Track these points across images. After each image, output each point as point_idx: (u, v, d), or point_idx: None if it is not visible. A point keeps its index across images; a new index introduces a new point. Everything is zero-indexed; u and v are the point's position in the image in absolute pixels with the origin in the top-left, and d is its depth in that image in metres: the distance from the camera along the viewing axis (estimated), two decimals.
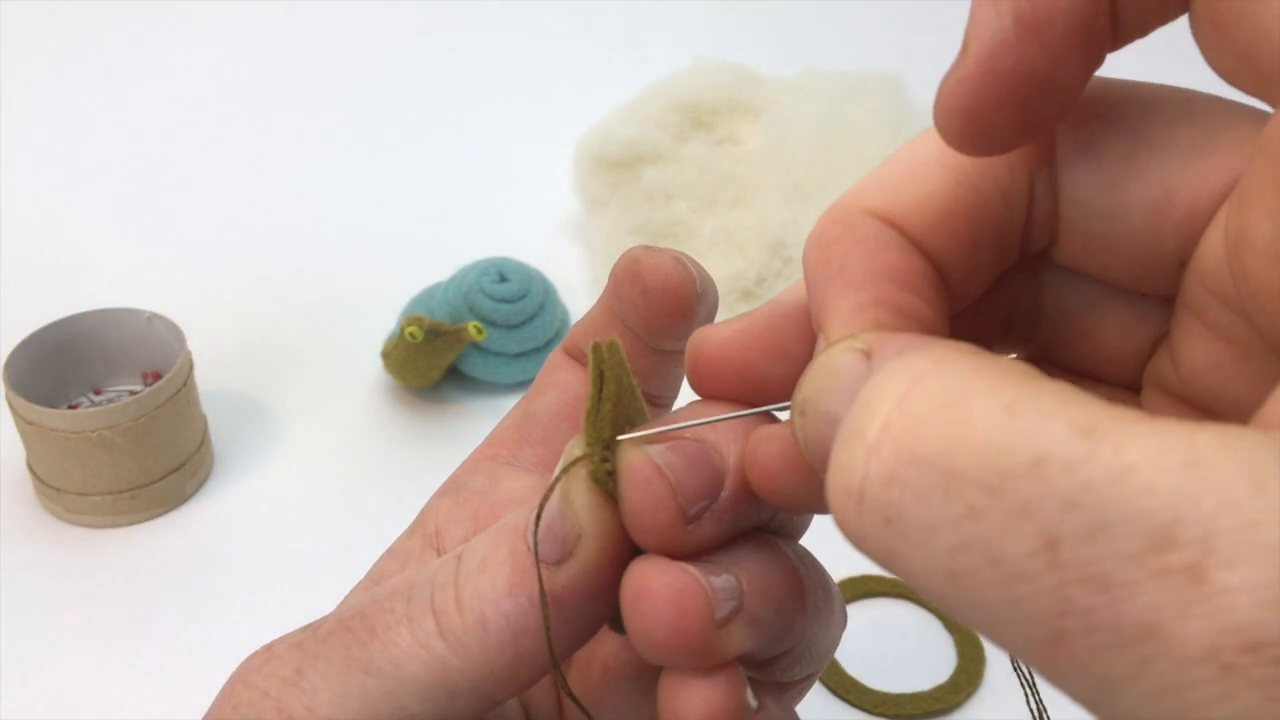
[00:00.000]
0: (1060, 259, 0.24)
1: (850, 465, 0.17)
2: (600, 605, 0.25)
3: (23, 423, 0.61)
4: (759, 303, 0.75)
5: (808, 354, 0.23)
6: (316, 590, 0.57)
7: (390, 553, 0.31)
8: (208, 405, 0.67)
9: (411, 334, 0.63)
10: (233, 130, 0.95)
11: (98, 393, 0.68)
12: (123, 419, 0.60)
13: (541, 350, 0.71)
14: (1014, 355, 0.26)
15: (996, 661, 0.55)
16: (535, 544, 0.24)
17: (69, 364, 0.66)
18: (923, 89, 0.83)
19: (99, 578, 0.60)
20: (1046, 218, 0.23)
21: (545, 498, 0.24)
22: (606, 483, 0.24)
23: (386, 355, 0.68)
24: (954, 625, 0.57)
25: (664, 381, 0.32)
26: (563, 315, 0.74)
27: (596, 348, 0.24)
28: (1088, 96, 0.22)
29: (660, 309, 0.29)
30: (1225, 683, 0.13)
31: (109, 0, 0.99)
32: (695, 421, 0.24)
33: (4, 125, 0.92)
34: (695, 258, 0.77)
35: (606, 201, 0.80)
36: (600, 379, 0.24)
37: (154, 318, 0.66)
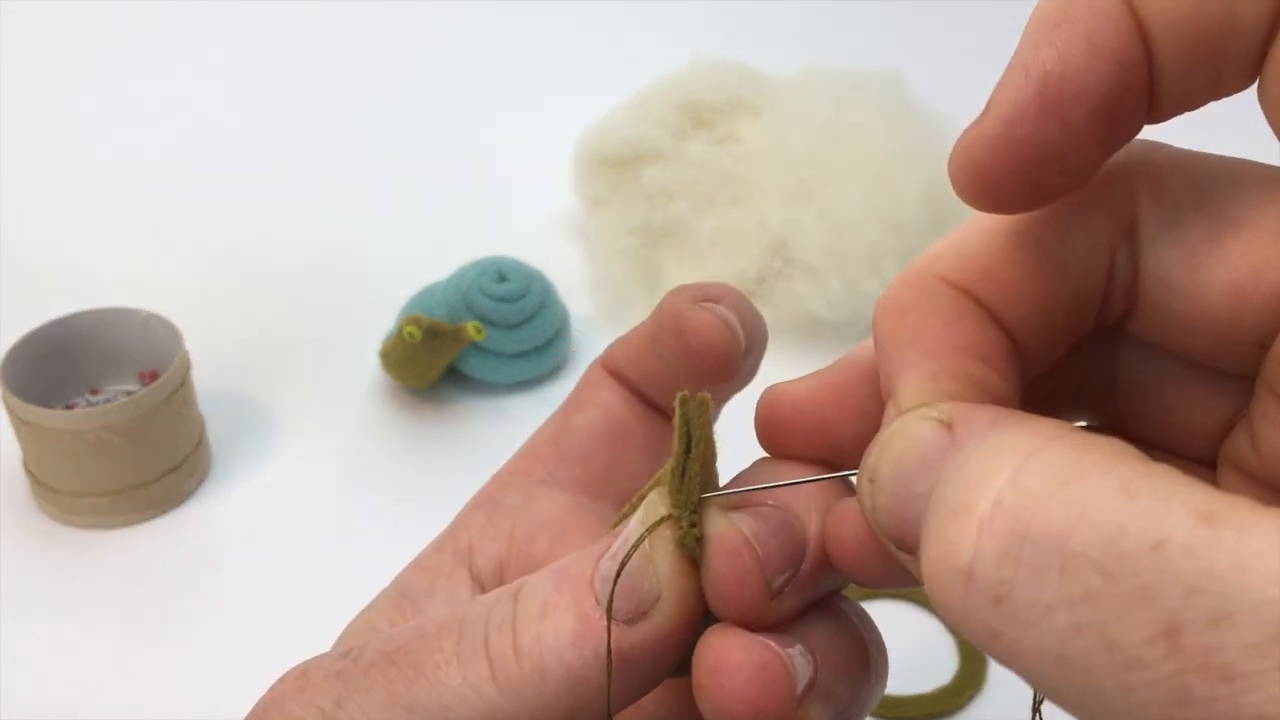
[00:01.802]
0: (1137, 332, 0.23)
1: (958, 541, 0.17)
2: (666, 664, 0.24)
3: (19, 423, 0.60)
4: (759, 303, 0.75)
5: (880, 414, 0.23)
6: (314, 590, 0.57)
7: (419, 566, 0.31)
8: (205, 405, 0.67)
9: (410, 334, 0.63)
10: (232, 130, 0.94)
11: (95, 393, 0.67)
12: (120, 419, 0.60)
13: (541, 350, 0.71)
14: (1084, 423, 0.26)
15: (998, 665, 0.55)
16: (611, 602, 0.24)
17: (66, 364, 0.66)
18: (923, 87, 0.83)
19: (96, 579, 0.60)
20: (1125, 290, 0.22)
21: (628, 557, 0.24)
22: (693, 548, 0.24)
23: (385, 355, 0.67)
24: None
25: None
26: (562, 315, 0.73)
27: (685, 403, 0.24)
28: (1172, 168, 0.22)
29: (703, 367, 0.29)
30: None
31: (109, 0, 0.99)
32: (779, 484, 0.24)
33: (2, 125, 0.91)
34: (696, 258, 0.78)
35: (606, 201, 0.80)
36: (688, 438, 0.24)
37: (151, 317, 0.65)
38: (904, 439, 0.20)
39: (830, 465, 0.25)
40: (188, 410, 0.64)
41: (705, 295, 0.29)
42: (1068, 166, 0.20)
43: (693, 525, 0.24)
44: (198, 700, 0.54)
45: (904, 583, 0.22)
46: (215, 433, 0.67)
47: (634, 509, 0.26)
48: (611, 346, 0.33)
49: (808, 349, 0.74)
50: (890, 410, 0.22)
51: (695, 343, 0.28)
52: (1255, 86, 0.21)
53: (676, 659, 0.24)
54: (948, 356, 0.21)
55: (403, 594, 0.30)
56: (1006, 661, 0.17)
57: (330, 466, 0.66)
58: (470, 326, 0.65)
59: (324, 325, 0.76)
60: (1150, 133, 0.22)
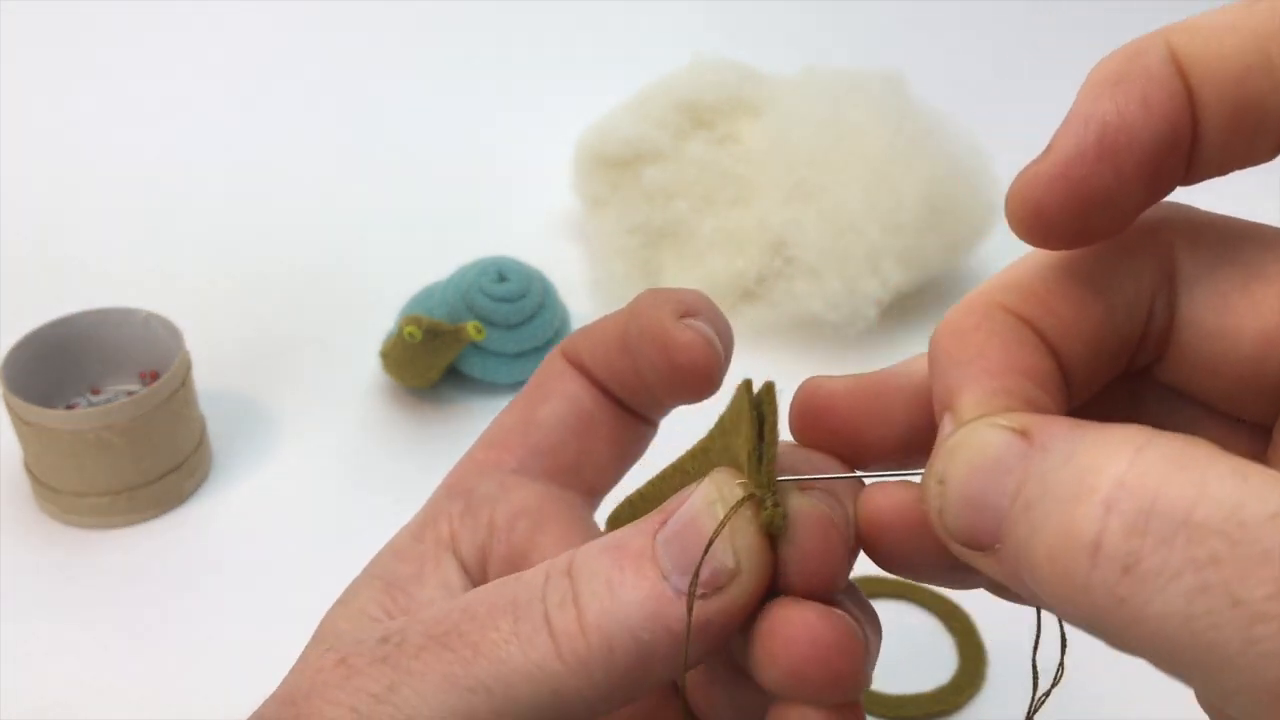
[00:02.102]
0: (1164, 377, 0.25)
1: (1084, 519, 0.18)
2: (729, 636, 0.25)
3: (20, 423, 0.60)
4: (759, 302, 0.75)
5: (905, 425, 0.26)
6: (314, 590, 0.56)
7: (399, 554, 0.31)
8: (205, 405, 0.67)
9: (410, 334, 0.63)
10: (232, 130, 0.94)
11: (95, 393, 0.67)
12: (120, 419, 0.60)
13: (541, 350, 0.71)
14: None
15: (998, 663, 0.55)
16: (694, 582, 0.24)
17: (66, 364, 0.66)
18: (923, 87, 0.83)
19: (96, 578, 0.60)
20: (1160, 334, 0.25)
21: (716, 534, 0.24)
22: (780, 526, 0.25)
23: (385, 355, 0.67)
24: (956, 627, 0.56)
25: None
26: (562, 315, 0.73)
27: (750, 388, 0.25)
28: (1206, 225, 0.24)
29: (687, 383, 0.30)
30: None
31: (109, 0, 0.99)
32: (843, 475, 0.26)
33: (2, 125, 0.91)
34: (695, 258, 0.78)
35: (606, 201, 0.80)
36: (760, 422, 0.25)
37: (151, 317, 0.65)
38: (976, 444, 0.21)
39: (848, 461, 0.27)
40: (188, 410, 0.64)
41: (685, 309, 0.30)
42: (1114, 210, 0.23)
43: (775, 505, 0.25)
44: (198, 700, 0.54)
45: (922, 574, 0.25)
46: (215, 433, 0.67)
47: (662, 489, 0.27)
48: (574, 337, 0.33)
49: (807, 349, 0.74)
50: (947, 423, 0.23)
51: (681, 360, 0.30)
52: None
53: (736, 631, 0.25)
54: (1007, 376, 0.23)
55: (389, 582, 0.30)
56: (1124, 629, 0.18)
57: (330, 466, 0.67)
58: (470, 326, 0.65)
59: (324, 325, 0.76)
60: (1183, 197, 0.24)
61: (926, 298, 0.76)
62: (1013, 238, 0.25)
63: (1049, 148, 0.23)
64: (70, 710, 0.54)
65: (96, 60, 0.98)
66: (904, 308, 0.75)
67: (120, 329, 0.66)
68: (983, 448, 0.21)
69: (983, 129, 0.83)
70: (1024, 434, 0.21)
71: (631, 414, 0.33)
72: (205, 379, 0.67)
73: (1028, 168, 0.23)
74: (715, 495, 0.25)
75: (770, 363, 0.77)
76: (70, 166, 0.90)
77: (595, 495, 0.34)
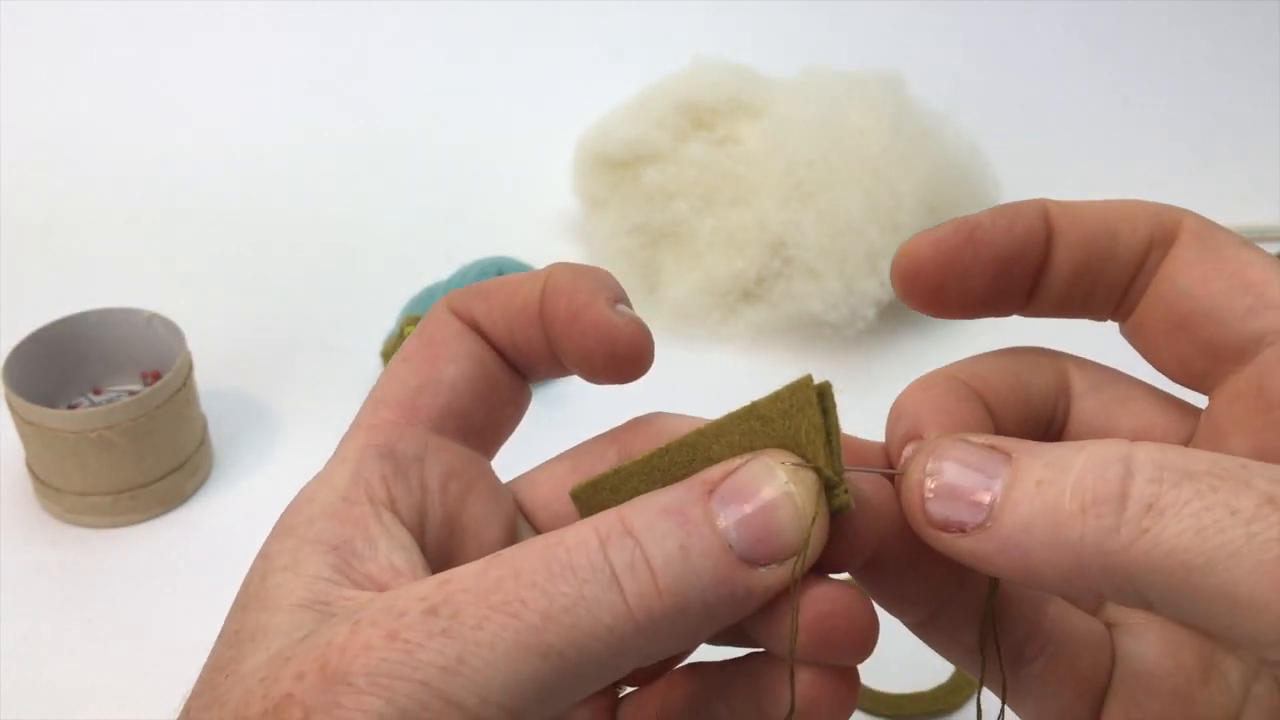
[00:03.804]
0: None
1: (1113, 480, 0.24)
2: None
3: (22, 423, 0.61)
4: (759, 303, 0.76)
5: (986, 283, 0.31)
6: None
7: (332, 515, 0.30)
8: (207, 405, 0.67)
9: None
10: (233, 130, 0.95)
11: (97, 393, 0.67)
12: (122, 419, 0.60)
13: None
14: None
15: None
16: (800, 561, 0.27)
17: (69, 364, 0.66)
18: (923, 87, 0.83)
19: (99, 578, 0.60)
20: (1060, 427, 0.32)
21: (813, 523, 0.27)
22: (850, 511, 0.28)
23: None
24: None
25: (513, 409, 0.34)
26: None
27: (811, 385, 0.28)
28: (1089, 361, 0.33)
29: (621, 370, 0.32)
30: None
31: (109, 0, 0.99)
32: (885, 470, 0.30)
33: (4, 125, 0.92)
34: (695, 258, 0.78)
35: (606, 201, 0.80)
36: (825, 415, 0.28)
37: (153, 318, 0.66)
38: (960, 449, 0.27)
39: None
40: (190, 410, 0.64)
41: (615, 296, 0.32)
42: (966, 286, 0.30)
43: (846, 491, 0.27)
44: None
45: (949, 306, 0.31)
46: (217, 432, 0.68)
47: (663, 464, 0.29)
48: (466, 297, 0.34)
49: (806, 349, 0.74)
50: (909, 446, 0.29)
51: (622, 350, 0.31)
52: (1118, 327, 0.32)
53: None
54: (960, 423, 0.29)
55: (333, 546, 0.29)
56: (1144, 557, 0.24)
57: None
58: None
59: (325, 325, 0.76)
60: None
61: None
62: None
63: (939, 226, 0.30)
64: (71, 709, 0.54)
65: (96, 60, 0.98)
66: (903, 308, 0.74)
67: (122, 329, 0.66)
68: (967, 451, 0.27)
69: (982, 129, 0.84)
70: (997, 449, 0.27)
71: (521, 378, 0.34)
72: (207, 379, 0.67)
73: (909, 240, 0.30)
74: (785, 477, 0.27)
75: (769, 363, 0.77)
76: (72, 167, 0.90)
77: (490, 456, 0.34)
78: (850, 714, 0.29)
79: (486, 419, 0.33)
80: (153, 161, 0.91)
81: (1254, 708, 0.30)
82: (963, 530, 0.26)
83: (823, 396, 0.28)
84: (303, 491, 0.31)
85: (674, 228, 0.77)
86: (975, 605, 0.31)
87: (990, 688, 0.32)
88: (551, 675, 0.25)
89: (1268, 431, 0.29)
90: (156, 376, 0.66)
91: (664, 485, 0.28)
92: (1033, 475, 0.26)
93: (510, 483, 0.34)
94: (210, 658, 0.29)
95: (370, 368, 0.71)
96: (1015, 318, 0.33)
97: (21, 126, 0.92)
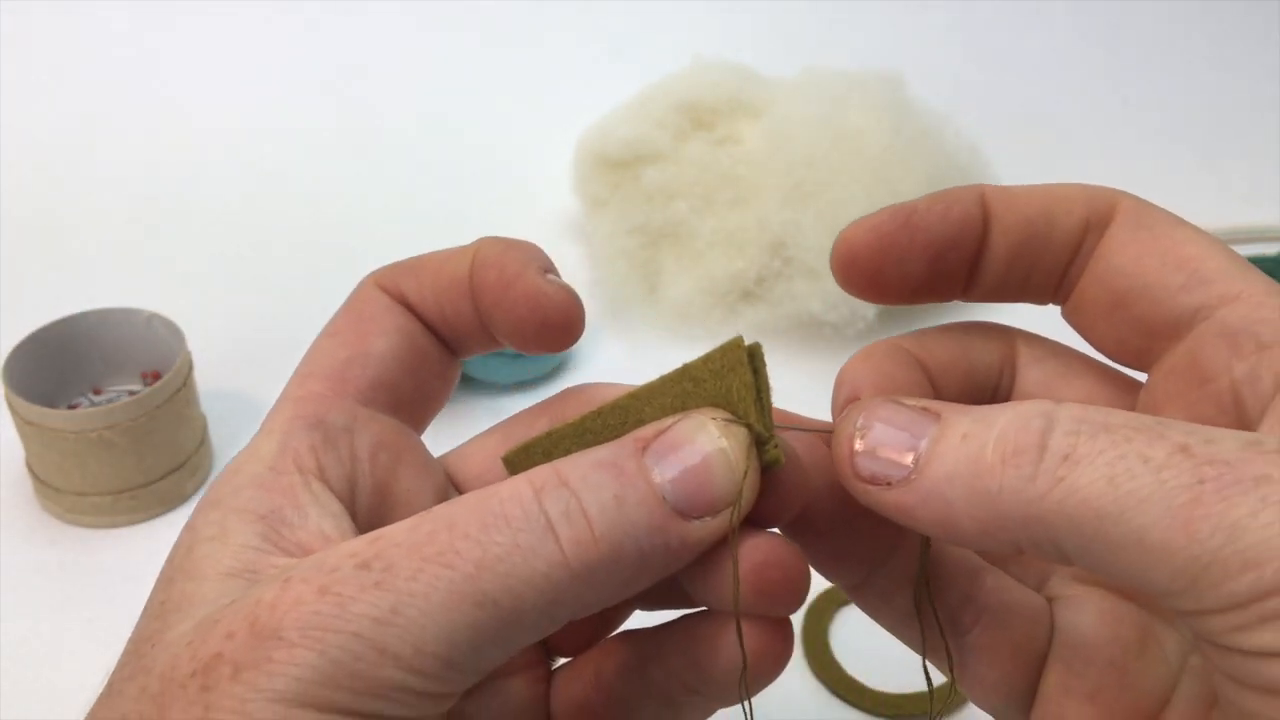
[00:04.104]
0: None
1: (1034, 432, 0.25)
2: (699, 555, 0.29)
3: (22, 423, 0.61)
4: (758, 303, 0.76)
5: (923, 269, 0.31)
6: None
7: (261, 485, 0.30)
8: (207, 405, 0.67)
9: None
10: (233, 130, 0.95)
11: (97, 393, 0.68)
12: (122, 419, 0.60)
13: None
14: None
15: None
16: (736, 518, 0.28)
17: (68, 364, 0.66)
18: (923, 87, 0.83)
19: (99, 578, 0.60)
20: (1007, 392, 0.33)
21: (747, 485, 0.28)
22: (780, 465, 0.29)
23: None
24: None
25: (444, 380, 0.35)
26: None
27: (741, 346, 0.29)
28: (1038, 337, 0.33)
29: (554, 338, 0.32)
30: None
31: (110, 0, 0.99)
32: (802, 428, 0.31)
33: (4, 125, 0.92)
34: (695, 258, 0.78)
35: (606, 201, 0.80)
36: (755, 374, 0.29)
37: (153, 318, 0.66)
38: (890, 409, 0.28)
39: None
40: (190, 410, 0.64)
41: (544, 266, 0.32)
42: (902, 270, 0.31)
43: (776, 446, 0.28)
44: None
45: (887, 292, 0.31)
46: (217, 432, 0.68)
47: (595, 426, 0.30)
48: (394, 273, 0.34)
49: (806, 349, 0.74)
50: (848, 406, 0.30)
51: (554, 319, 0.32)
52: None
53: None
54: (898, 386, 0.30)
55: (261, 515, 0.29)
56: (1060, 504, 0.24)
57: None
58: None
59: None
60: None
61: None
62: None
63: (880, 211, 0.31)
64: (71, 710, 0.54)
65: (97, 60, 0.98)
66: (902, 308, 0.75)
67: (122, 329, 0.66)
68: (898, 410, 0.28)
69: (982, 129, 0.84)
70: (927, 410, 0.27)
71: (449, 352, 0.34)
72: (207, 379, 0.67)
73: (847, 227, 0.31)
74: (717, 432, 0.28)
75: (769, 363, 0.77)
76: (72, 167, 0.90)
77: (420, 430, 0.35)
78: (785, 665, 0.30)
79: (416, 392, 0.34)
80: (153, 161, 0.91)
81: (1190, 679, 0.31)
82: (888, 484, 0.27)
83: (753, 356, 0.29)
84: (229, 465, 0.31)
85: (674, 228, 0.77)
86: (909, 570, 0.31)
87: (932, 659, 0.32)
88: (487, 624, 0.25)
89: (1202, 404, 0.29)
90: (156, 376, 0.66)
91: (597, 446, 0.29)
92: (959, 430, 0.26)
93: (441, 456, 0.35)
94: (135, 631, 0.29)
95: None
96: (1000, 308, 0.33)
97: (21, 126, 0.92)
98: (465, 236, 0.35)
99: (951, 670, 0.32)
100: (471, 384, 0.71)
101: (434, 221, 0.85)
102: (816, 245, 0.72)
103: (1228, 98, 1.02)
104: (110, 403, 0.63)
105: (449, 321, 0.33)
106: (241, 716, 0.24)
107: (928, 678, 0.33)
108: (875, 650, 0.56)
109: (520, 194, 0.89)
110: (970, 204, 0.30)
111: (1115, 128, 0.99)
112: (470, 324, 0.33)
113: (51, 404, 0.64)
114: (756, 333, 0.75)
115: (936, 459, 0.26)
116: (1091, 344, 0.32)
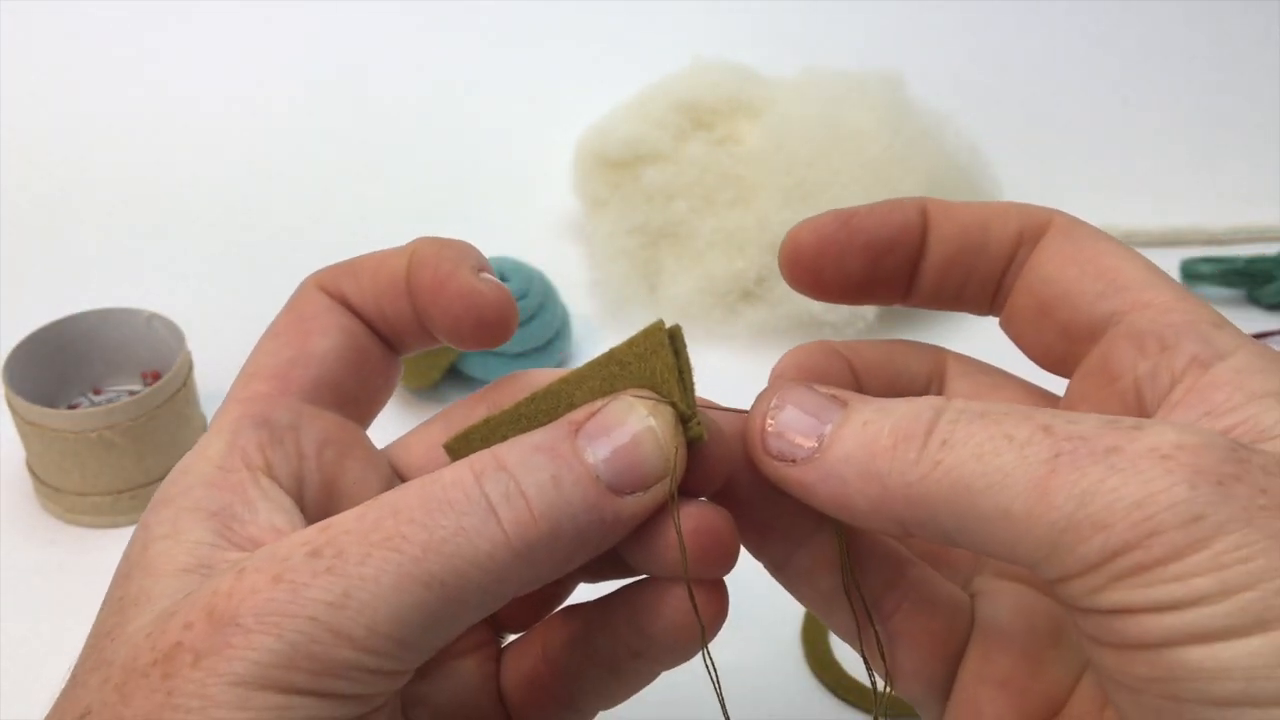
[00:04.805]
0: None
1: (922, 420, 0.27)
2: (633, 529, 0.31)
3: (22, 423, 0.61)
4: (758, 303, 0.76)
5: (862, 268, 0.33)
6: None
7: (210, 484, 0.30)
8: (207, 405, 0.67)
9: None
10: (233, 130, 0.95)
11: (97, 393, 0.68)
12: (122, 419, 0.60)
13: (541, 350, 0.71)
14: None
15: None
16: (674, 491, 0.30)
17: (69, 364, 0.66)
18: (923, 87, 0.83)
19: (99, 578, 0.60)
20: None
21: (677, 460, 0.30)
22: (703, 440, 0.30)
23: None
24: None
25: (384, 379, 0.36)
26: (563, 315, 0.74)
27: (663, 329, 0.30)
28: (967, 357, 0.35)
29: (488, 335, 0.33)
30: (1169, 462, 0.24)
31: (109, 0, 0.99)
32: (728, 408, 0.32)
33: (4, 125, 0.92)
34: (695, 258, 0.78)
35: (606, 201, 0.80)
36: (677, 355, 0.30)
37: (153, 318, 0.66)
38: (799, 394, 0.30)
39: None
40: (190, 410, 0.64)
41: (478, 265, 0.34)
42: (841, 268, 0.33)
43: (699, 423, 0.30)
44: None
45: (829, 290, 0.33)
46: None
47: (530, 411, 0.32)
48: (334, 274, 0.35)
49: None
50: (766, 389, 0.31)
51: (489, 316, 0.33)
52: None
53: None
54: (820, 375, 0.33)
55: (212, 512, 0.30)
56: (936, 485, 0.26)
57: None
58: None
59: None
60: None
61: None
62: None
63: (822, 214, 0.33)
64: None
65: (97, 60, 0.98)
66: (902, 309, 0.75)
67: (122, 329, 0.66)
68: (810, 395, 0.30)
69: (982, 129, 0.84)
70: (836, 398, 0.30)
71: (391, 349, 0.35)
72: (207, 379, 0.67)
73: (799, 223, 0.33)
74: (645, 411, 0.30)
75: (769, 363, 0.77)
76: (72, 167, 0.90)
77: (365, 425, 0.36)
78: (722, 624, 0.32)
79: (359, 389, 0.35)
80: (153, 162, 0.91)
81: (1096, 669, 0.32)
82: (793, 461, 0.29)
83: (674, 338, 0.31)
84: (178, 465, 0.32)
85: (674, 228, 0.77)
86: (830, 551, 0.33)
87: (855, 645, 0.34)
88: (435, 603, 0.27)
89: (1108, 402, 0.30)
90: (156, 376, 0.66)
91: (532, 430, 0.30)
92: (861, 417, 0.29)
93: (385, 448, 0.36)
94: (94, 627, 0.30)
95: None
96: (990, 332, 0.35)
97: (21, 126, 0.92)
98: (465, 236, 0.35)
99: (882, 655, 0.34)
100: (471, 384, 0.71)
101: (434, 221, 0.85)
102: None
103: (1228, 98, 1.02)
104: (110, 403, 0.63)
105: (388, 320, 0.34)
106: (203, 701, 0.25)
107: (870, 672, 0.34)
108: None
109: (520, 194, 0.89)
110: (910, 211, 0.33)
111: (1115, 128, 0.99)
112: (408, 322, 0.34)
113: (51, 404, 0.64)
114: (756, 333, 0.75)
115: (837, 441, 0.29)
116: (1023, 351, 0.33)
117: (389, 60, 1.02)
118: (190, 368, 0.64)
